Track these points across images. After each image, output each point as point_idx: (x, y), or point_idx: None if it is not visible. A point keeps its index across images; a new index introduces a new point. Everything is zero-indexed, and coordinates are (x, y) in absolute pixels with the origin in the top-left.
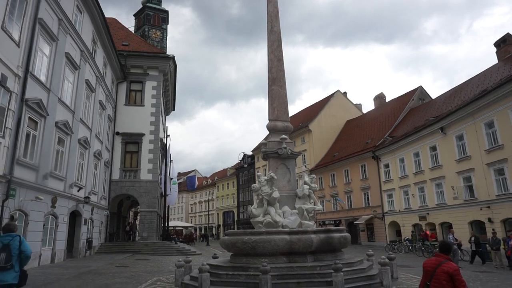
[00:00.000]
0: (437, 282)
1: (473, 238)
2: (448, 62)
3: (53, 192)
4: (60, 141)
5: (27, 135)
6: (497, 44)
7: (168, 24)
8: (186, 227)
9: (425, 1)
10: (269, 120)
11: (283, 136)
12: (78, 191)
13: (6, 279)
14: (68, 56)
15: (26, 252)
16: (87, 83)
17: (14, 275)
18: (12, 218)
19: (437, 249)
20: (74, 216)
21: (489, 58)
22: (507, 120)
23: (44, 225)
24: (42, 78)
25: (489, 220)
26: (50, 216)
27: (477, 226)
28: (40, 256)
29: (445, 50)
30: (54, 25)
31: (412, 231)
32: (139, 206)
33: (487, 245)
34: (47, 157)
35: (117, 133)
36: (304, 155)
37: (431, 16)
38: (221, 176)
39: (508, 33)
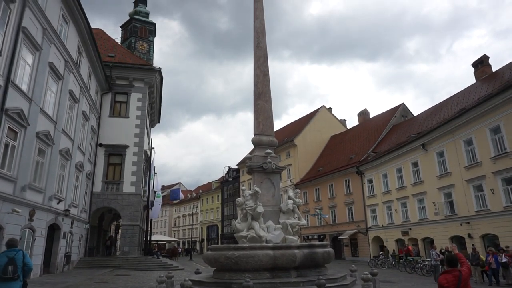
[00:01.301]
0: None
1: (445, 252)
2: (430, 81)
3: (31, 204)
4: (41, 152)
5: (6, 145)
6: (475, 64)
7: (155, 36)
8: (169, 241)
9: (408, 22)
10: (254, 134)
11: (268, 150)
12: (57, 203)
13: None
14: (51, 66)
15: (29, 265)
16: (71, 93)
17: (20, 284)
18: None
19: (445, 264)
20: (53, 230)
21: (468, 78)
22: (484, 138)
23: (20, 239)
24: (24, 88)
25: (469, 235)
26: (27, 229)
27: (457, 241)
28: None
29: (427, 69)
30: (38, 34)
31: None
32: (121, 220)
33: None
34: (26, 168)
35: (100, 145)
36: (289, 170)
37: (413, 36)
38: (205, 189)
39: (485, 55)
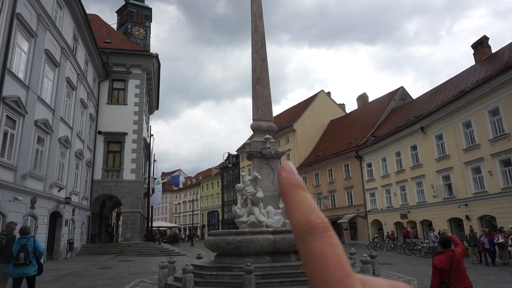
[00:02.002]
0: (458, 274)
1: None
2: (429, 63)
3: (33, 192)
4: (40, 140)
5: (5, 134)
6: (475, 46)
7: (151, 21)
8: (170, 228)
9: (407, 2)
10: (253, 120)
11: (267, 136)
12: (58, 191)
13: (28, 272)
14: (47, 53)
15: (39, 249)
16: (68, 81)
17: (33, 268)
18: None
19: (440, 246)
20: (55, 217)
21: (468, 60)
22: (483, 120)
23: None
24: (21, 76)
25: (467, 217)
26: (29, 217)
27: (456, 223)
28: None
29: (426, 51)
30: (33, 21)
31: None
32: (122, 207)
33: (464, 242)
34: (26, 156)
35: (99, 132)
36: (289, 155)
37: (413, 17)
38: (205, 176)
39: (484, 36)
